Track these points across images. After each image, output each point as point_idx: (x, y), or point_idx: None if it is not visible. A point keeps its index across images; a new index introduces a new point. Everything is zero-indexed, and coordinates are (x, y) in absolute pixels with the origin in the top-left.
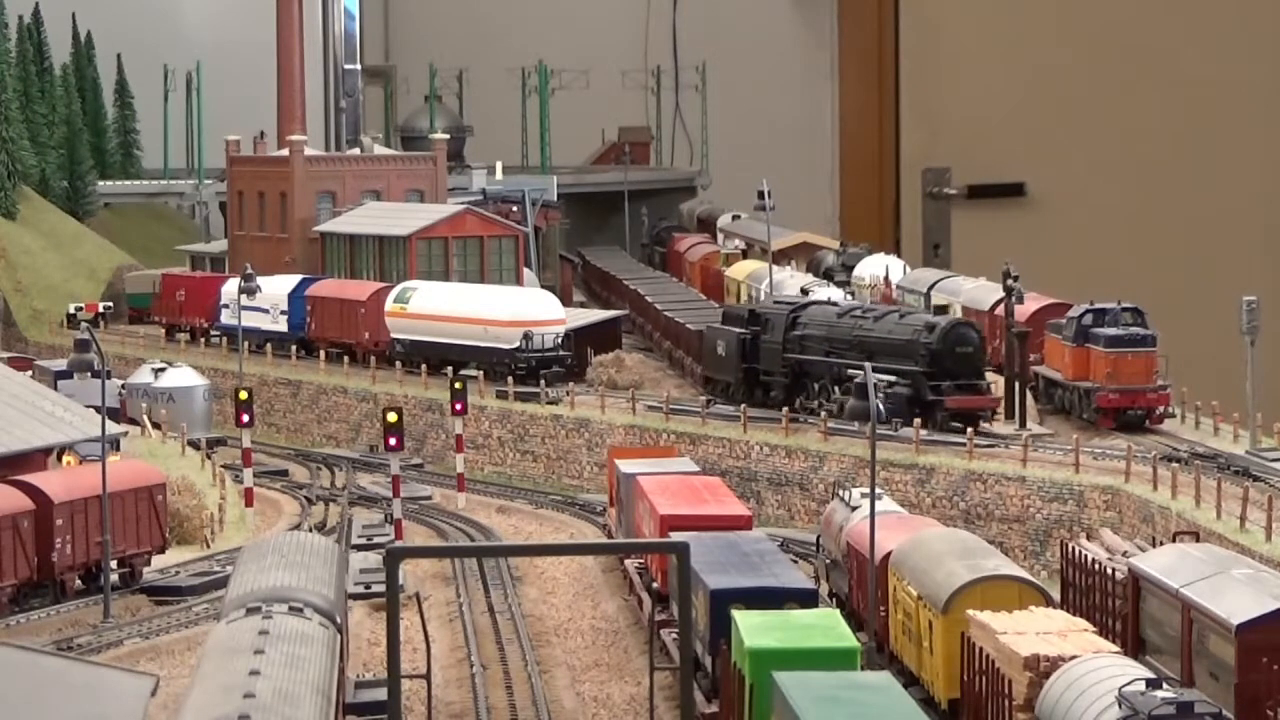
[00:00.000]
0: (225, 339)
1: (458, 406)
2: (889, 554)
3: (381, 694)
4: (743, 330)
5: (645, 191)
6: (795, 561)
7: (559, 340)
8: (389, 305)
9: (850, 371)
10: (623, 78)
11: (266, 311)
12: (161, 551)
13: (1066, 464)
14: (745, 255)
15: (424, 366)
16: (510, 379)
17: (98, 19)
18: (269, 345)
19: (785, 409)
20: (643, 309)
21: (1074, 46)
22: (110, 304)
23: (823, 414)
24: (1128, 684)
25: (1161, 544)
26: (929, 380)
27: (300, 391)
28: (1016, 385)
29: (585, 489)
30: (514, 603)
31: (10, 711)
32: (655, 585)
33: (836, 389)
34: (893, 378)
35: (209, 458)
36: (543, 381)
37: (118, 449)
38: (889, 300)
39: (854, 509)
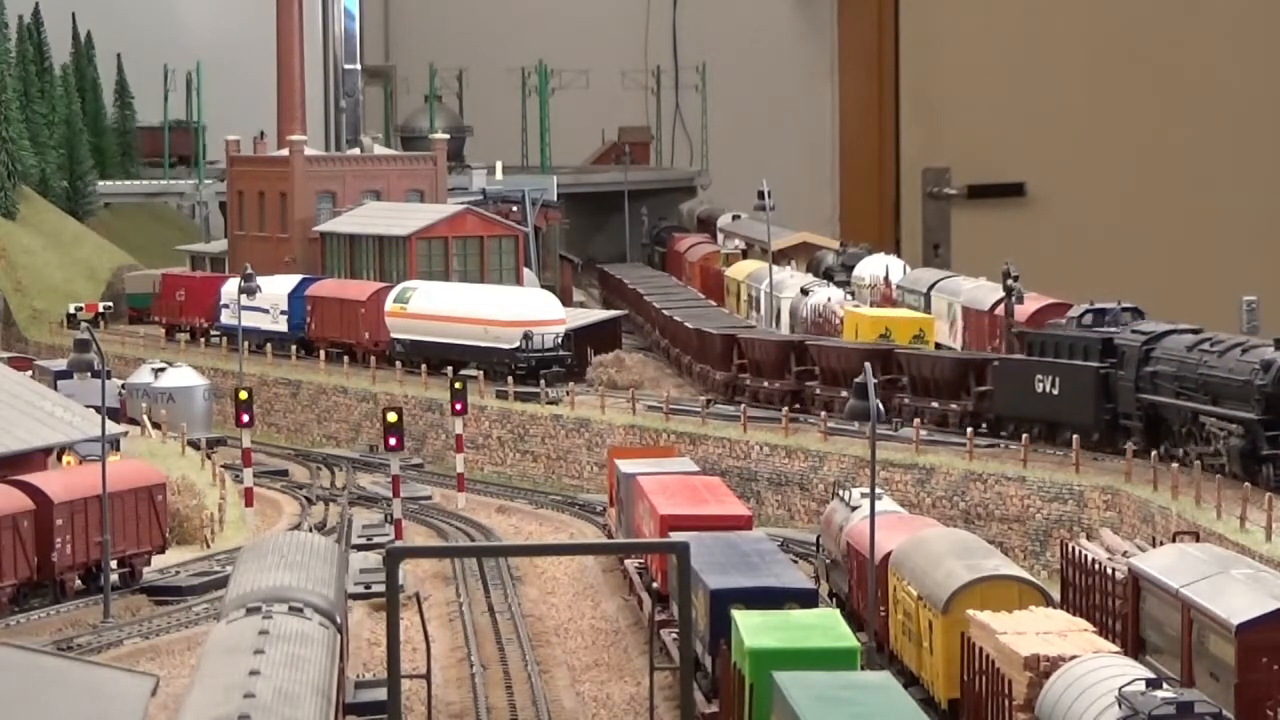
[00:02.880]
0: (225, 339)
1: (458, 406)
2: (889, 554)
3: (381, 694)
4: (1100, 364)
5: (645, 191)
6: (795, 561)
7: (559, 340)
8: (389, 305)
9: (1203, 419)
10: (623, 78)
11: (266, 311)
12: (161, 551)
13: (1067, 464)
14: (745, 255)
15: (424, 366)
16: (510, 379)
17: (98, 19)
18: (269, 345)
19: (785, 409)
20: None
21: (1074, 47)
22: (110, 304)
23: (822, 414)
24: (1128, 684)
25: (1161, 544)
26: (1266, 430)
27: (300, 391)
28: None
29: (585, 489)
30: (514, 603)
31: (10, 711)
32: (655, 585)
33: (1196, 441)
34: (1233, 426)
35: (209, 458)
36: (543, 381)
37: (118, 449)
38: (889, 301)
39: (854, 509)
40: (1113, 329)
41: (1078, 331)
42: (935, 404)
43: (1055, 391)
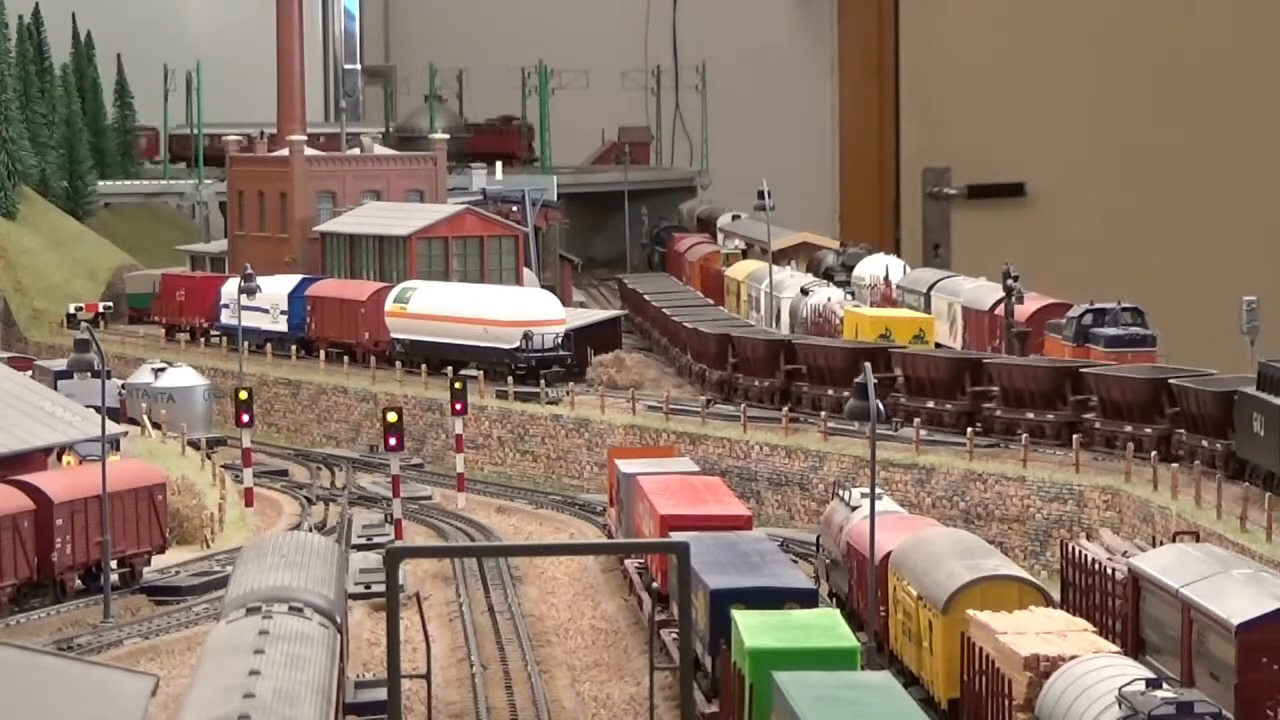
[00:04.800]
0: (225, 339)
1: (458, 406)
2: (889, 554)
3: (381, 694)
4: None
5: (645, 191)
6: (795, 561)
7: (559, 340)
8: (389, 305)
9: None
10: (623, 78)
11: (266, 311)
12: (161, 551)
13: (1067, 464)
14: (745, 255)
15: (424, 366)
16: (510, 379)
17: (98, 19)
18: (269, 345)
19: (785, 409)
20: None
21: (1074, 47)
22: (110, 304)
23: (823, 414)
24: (1128, 684)
25: (1161, 544)
26: None
27: (300, 391)
28: None
29: (585, 489)
30: (514, 603)
31: (10, 711)
32: (655, 585)
33: None
34: None
35: (209, 458)
36: (543, 381)
37: (118, 449)
38: (889, 301)
39: (854, 509)
40: None
41: None
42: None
43: None
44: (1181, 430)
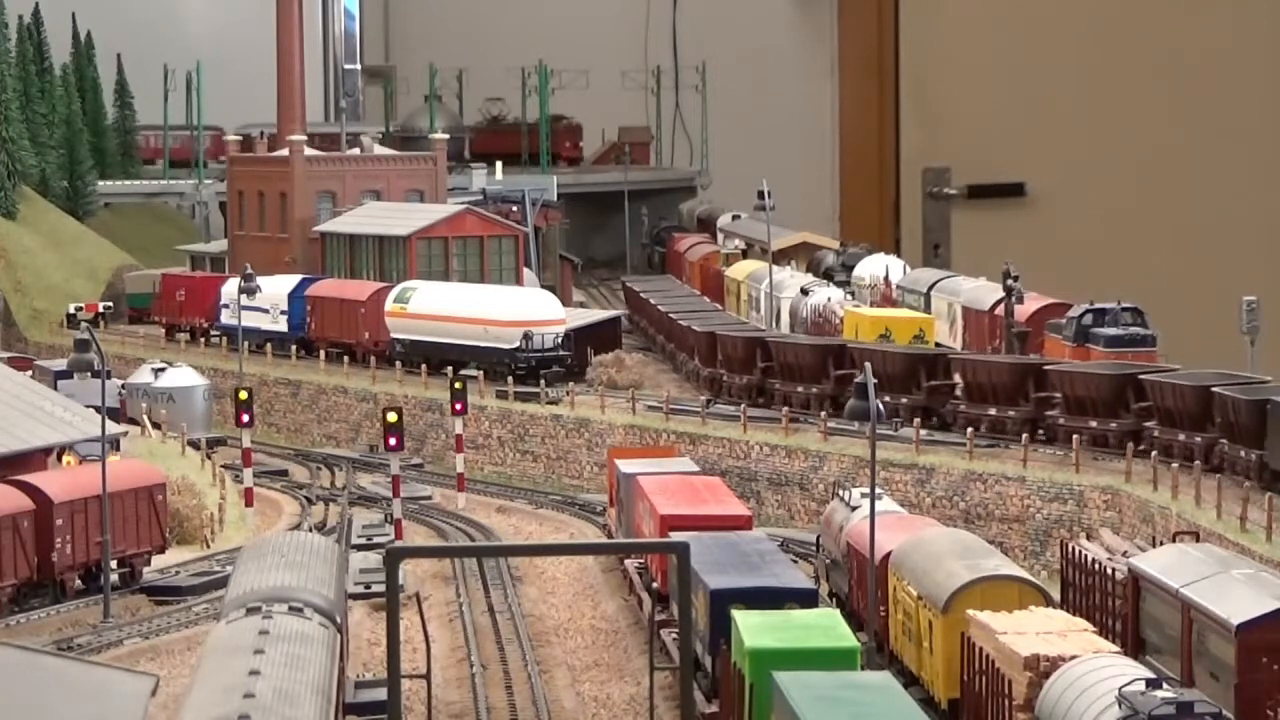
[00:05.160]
0: (225, 339)
1: (458, 406)
2: (889, 554)
3: (381, 694)
4: None
5: (645, 191)
6: (795, 561)
7: (559, 340)
8: (389, 305)
9: None
10: (623, 78)
11: (266, 311)
12: (161, 551)
13: (1067, 464)
14: (745, 255)
15: (424, 366)
16: (510, 379)
17: (98, 19)
18: (269, 345)
19: (785, 409)
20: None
21: (1074, 47)
22: (110, 304)
23: (822, 414)
24: (1128, 684)
25: (1161, 544)
26: None
27: (300, 391)
28: None
29: (585, 489)
30: (514, 603)
31: (10, 711)
32: (655, 585)
33: None
34: None
35: (209, 458)
36: (543, 381)
37: (118, 449)
38: (889, 301)
39: (854, 509)
40: None
41: None
42: (994, 411)
43: None
44: (1224, 440)
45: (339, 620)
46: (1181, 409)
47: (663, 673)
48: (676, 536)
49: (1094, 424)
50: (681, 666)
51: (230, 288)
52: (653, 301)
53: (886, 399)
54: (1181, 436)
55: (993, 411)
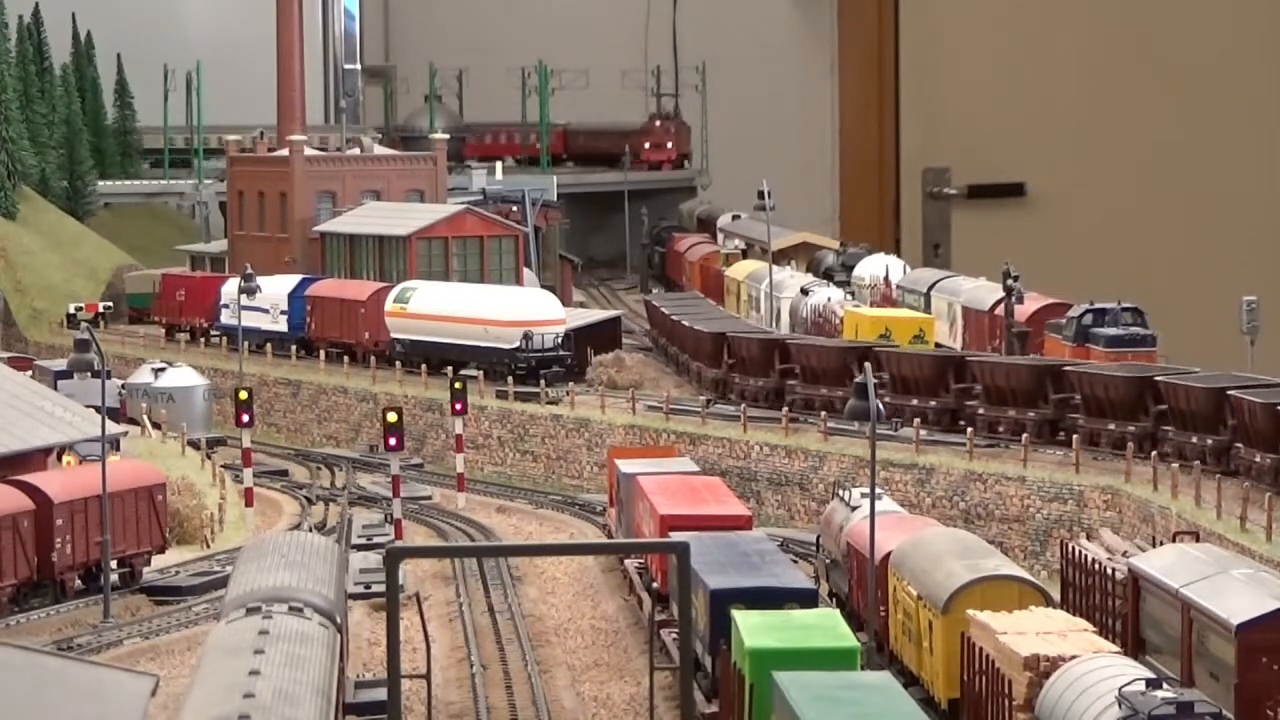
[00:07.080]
0: (225, 339)
1: (458, 406)
2: (889, 554)
3: (381, 694)
4: None
5: (645, 191)
6: (795, 561)
7: (559, 340)
8: (389, 305)
9: None
10: (623, 78)
11: (266, 311)
12: (161, 551)
13: (1066, 464)
14: (745, 255)
15: (424, 366)
16: (510, 379)
17: (98, 19)
18: (269, 345)
19: (785, 409)
20: None
21: (1074, 46)
22: (110, 304)
23: (822, 414)
24: (1128, 684)
25: (1161, 544)
26: None
27: (300, 391)
28: None
29: (585, 489)
30: (514, 603)
31: (10, 711)
32: (655, 585)
33: None
34: None
35: (209, 458)
36: (543, 381)
37: (118, 449)
38: (889, 301)
39: (854, 509)
40: None
41: None
42: (1014, 412)
43: None
44: (1239, 444)
45: (339, 620)
46: (1195, 411)
47: (663, 673)
48: (676, 536)
49: (1113, 426)
50: (681, 666)
51: (230, 288)
52: (682, 320)
53: (914, 401)
54: (1194, 439)
55: (1012, 413)
